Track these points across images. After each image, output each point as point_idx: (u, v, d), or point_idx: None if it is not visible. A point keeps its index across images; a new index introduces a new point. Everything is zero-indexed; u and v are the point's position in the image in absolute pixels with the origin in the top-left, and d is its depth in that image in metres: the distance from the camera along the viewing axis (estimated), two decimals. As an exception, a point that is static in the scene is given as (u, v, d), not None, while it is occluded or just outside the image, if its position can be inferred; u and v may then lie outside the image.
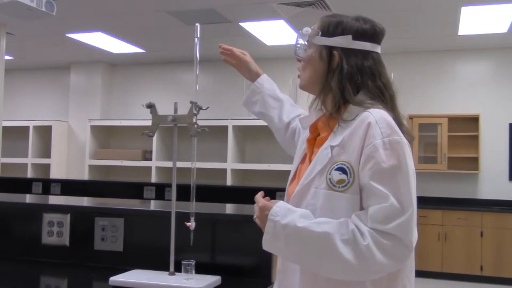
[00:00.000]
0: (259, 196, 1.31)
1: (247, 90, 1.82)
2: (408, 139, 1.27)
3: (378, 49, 1.36)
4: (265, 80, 1.78)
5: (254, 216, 1.30)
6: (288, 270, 1.35)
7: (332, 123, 1.31)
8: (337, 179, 1.23)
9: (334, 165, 1.25)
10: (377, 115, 1.24)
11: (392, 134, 1.22)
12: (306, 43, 1.39)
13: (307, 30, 1.39)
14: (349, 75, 1.31)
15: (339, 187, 1.23)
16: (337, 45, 1.33)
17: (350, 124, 1.27)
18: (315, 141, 1.39)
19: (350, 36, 1.33)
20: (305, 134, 1.49)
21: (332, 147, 1.27)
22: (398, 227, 1.16)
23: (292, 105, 1.77)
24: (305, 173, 1.31)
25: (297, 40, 1.42)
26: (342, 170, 1.23)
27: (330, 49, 1.34)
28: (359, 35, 1.33)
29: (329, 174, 1.25)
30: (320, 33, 1.36)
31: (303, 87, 1.42)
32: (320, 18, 1.40)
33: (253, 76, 1.79)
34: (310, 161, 1.35)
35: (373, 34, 1.35)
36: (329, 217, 1.22)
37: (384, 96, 1.33)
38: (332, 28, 1.36)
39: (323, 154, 1.29)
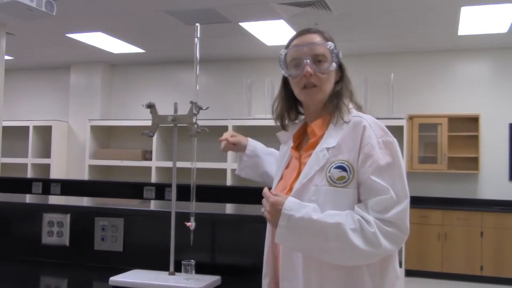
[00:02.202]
0: (268, 192, 1.37)
1: (241, 159, 1.87)
2: None
3: None
4: (253, 143, 1.87)
5: (263, 210, 1.37)
6: (291, 264, 1.41)
7: (326, 123, 1.47)
8: (338, 176, 1.36)
9: (333, 164, 1.38)
10: (369, 119, 1.42)
11: (385, 136, 1.39)
12: (331, 57, 1.47)
13: (331, 44, 1.48)
14: (349, 80, 1.52)
15: (340, 183, 1.36)
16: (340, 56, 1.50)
17: (343, 127, 1.42)
18: (297, 148, 1.54)
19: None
20: (283, 150, 1.61)
21: (328, 149, 1.40)
22: (397, 215, 1.31)
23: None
24: (303, 173, 1.42)
25: (324, 55, 1.47)
26: (341, 168, 1.37)
27: (339, 60, 1.50)
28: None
29: (329, 172, 1.37)
30: (335, 46, 1.49)
31: (320, 102, 1.49)
32: (318, 33, 1.50)
33: (243, 146, 1.87)
34: (300, 163, 1.48)
35: None
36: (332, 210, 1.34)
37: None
38: (332, 40, 1.50)
39: (319, 155, 1.41)
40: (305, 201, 1.37)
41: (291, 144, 1.57)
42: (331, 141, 1.41)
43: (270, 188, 1.41)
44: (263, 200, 1.37)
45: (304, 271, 1.38)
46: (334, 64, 1.46)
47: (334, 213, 1.32)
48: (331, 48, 1.47)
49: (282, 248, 1.44)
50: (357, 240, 1.28)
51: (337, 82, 1.50)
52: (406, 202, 1.34)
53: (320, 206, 1.35)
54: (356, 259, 1.32)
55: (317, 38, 1.48)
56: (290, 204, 1.33)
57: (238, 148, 1.87)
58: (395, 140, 1.40)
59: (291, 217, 1.31)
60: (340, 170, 1.36)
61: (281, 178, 1.56)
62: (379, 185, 1.32)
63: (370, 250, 1.28)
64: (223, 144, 1.85)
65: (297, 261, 1.40)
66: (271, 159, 1.83)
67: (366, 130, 1.38)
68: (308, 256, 1.38)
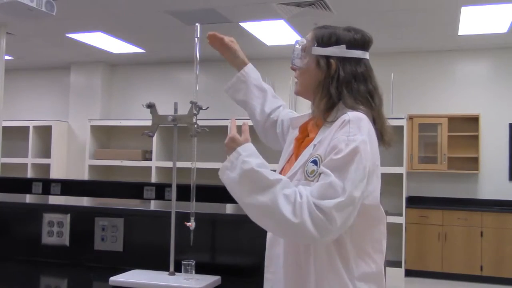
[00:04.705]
0: (233, 125, 1.43)
1: (232, 77, 1.85)
2: (383, 143, 1.45)
3: (367, 55, 1.52)
4: (251, 69, 1.84)
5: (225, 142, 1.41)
6: (274, 256, 1.47)
7: (320, 124, 1.47)
8: (310, 170, 1.38)
9: (311, 159, 1.40)
10: (352, 116, 1.37)
11: (357, 133, 1.34)
12: (302, 53, 1.52)
13: (303, 41, 1.51)
14: (345, 81, 1.45)
15: (311, 177, 1.37)
16: (333, 54, 1.47)
17: (332, 124, 1.41)
18: (302, 141, 1.53)
19: (344, 46, 1.47)
20: (293, 133, 1.61)
21: (314, 145, 1.42)
22: (329, 204, 1.26)
23: (274, 96, 1.85)
24: (291, 168, 1.46)
25: (294, 51, 1.53)
26: (315, 162, 1.38)
27: (327, 58, 1.47)
28: (351, 44, 1.48)
29: (306, 167, 1.40)
30: (315, 44, 1.49)
31: (298, 93, 1.57)
32: (313, 30, 1.53)
33: (239, 64, 1.84)
34: (296, 158, 1.49)
35: (364, 43, 1.50)
36: None
37: (373, 99, 1.46)
38: (326, 38, 1.48)
39: (306, 152, 1.44)
40: None
41: (297, 133, 1.58)
42: (318, 137, 1.43)
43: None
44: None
45: (284, 263, 1.42)
46: (298, 60, 1.51)
47: (280, 175, 1.34)
48: (302, 44, 1.51)
49: (267, 241, 1.49)
50: (283, 204, 1.26)
51: (330, 81, 1.46)
52: (348, 200, 1.26)
53: None
54: (277, 227, 1.30)
55: (308, 36, 1.53)
56: (248, 147, 1.37)
57: (230, 58, 1.84)
58: (364, 139, 1.33)
59: (240, 156, 1.35)
60: (313, 164, 1.37)
61: (283, 169, 1.56)
62: (324, 172, 1.30)
63: (290, 218, 1.25)
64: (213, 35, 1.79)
65: (279, 253, 1.44)
66: (259, 94, 1.82)
67: (344, 127, 1.35)
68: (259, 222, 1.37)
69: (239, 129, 1.44)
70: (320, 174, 1.33)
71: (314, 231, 1.25)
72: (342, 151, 1.31)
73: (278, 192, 1.28)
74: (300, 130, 1.57)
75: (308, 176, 1.37)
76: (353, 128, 1.34)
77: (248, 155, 1.35)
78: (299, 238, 1.31)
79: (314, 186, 1.30)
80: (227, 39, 1.81)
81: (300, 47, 1.51)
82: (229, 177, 1.37)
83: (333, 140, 1.35)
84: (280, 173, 1.56)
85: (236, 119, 1.53)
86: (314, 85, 1.49)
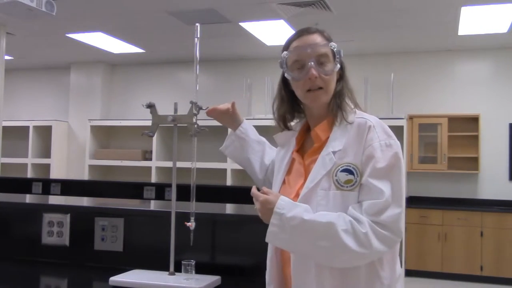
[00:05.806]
0: (256, 191, 1.37)
1: (229, 137, 1.82)
2: None
3: None
4: (247, 125, 1.81)
5: (256, 207, 1.37)
6: (303, 271, 1.39)
7: (326, 128, 1.46)
8: (345, 179, 1.36)
9: (339, 168, 1.37)
10: (373, 120, 1.41)
11: (388, 138, 1.38)
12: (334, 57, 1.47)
13: (334, 45, 1.46)
14: (348, 79, 1.50)
15: (347, 187, 1.36)
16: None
17: (347, 129, 1.41)
18: (303, 152, 1.51)
19: None
20: (281, 153, 1.58)
21: (334, 153, 1.39)
22: (391, 218, 1.30)
23: (270, 147, 1.82)
24: (309, 178, 1.41)
25: (336, 56, 1.46)
26: (348, 171, 1.36)
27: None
28: None
29: (335, 176, 1.37)
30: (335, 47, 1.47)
31: (325, 102, 1.47)
32: (319, 32, 1.48)
33: (236, 124, 1.80)
34: (305, 168, 1.46)
35: None
36: None
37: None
38: (333, 41, 1.49)
39: (325, 159, 1.40)
40: (313, 206, 1.36)
41: (293, 147, 1.54)
42: (337, 144, 1.40)
43: (258, 189, 1.40)
44: (254, 200, 1.37)
45: (317, 277, 1.36)
46: (338, 65, 1.45)
47: (326, 213, 1.32)
48: (335, 48, 1.45)
49: (293, 270, 1.41)
50: (348, 240, 1.27)
51: (337, 81, 1.48)
52: (401, 206, 1.33)
53: (330, 210, 1.34)
54: (347, 260, 1.31)
55: (318, 39, 1.45)
56: (283, 203, 1.33)
57: (229, 122, 1.80)
58: (398, 143, 1.39)
59: (283, 216, 1.31)
60: (347, 174, 1.36)
61: (283, 183, 1.52)
62: (375, 187, 1.32)
63: (361, 251, 1.28)
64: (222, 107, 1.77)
65: (310, 268, 1.38)
66: (258, 148, 1.79)
67: (370, 132, 1.37)
68: (304, 258, 1.38)
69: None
70: (361, 184, 1.34)
71: (385, 248, 1.30)
72: (383, 160, 1.34)
73: (338, 230, 1.28)
74: (297, 141, 1.54)
75: (342, 185, 1.36)
76: (380, 132, 1.38)
77: (289, 210, 1.32)
78: (371, 259, 1.34)
79: (369, 205, 1.31)
80: (223, 108, 1.77)
81: (335, 51, 1.46)
82: (283, 239, 1.33)
83: (366, 148, 1.36)
84: (284, 184, 1.52)
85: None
86: (333, 88, 1.47)
